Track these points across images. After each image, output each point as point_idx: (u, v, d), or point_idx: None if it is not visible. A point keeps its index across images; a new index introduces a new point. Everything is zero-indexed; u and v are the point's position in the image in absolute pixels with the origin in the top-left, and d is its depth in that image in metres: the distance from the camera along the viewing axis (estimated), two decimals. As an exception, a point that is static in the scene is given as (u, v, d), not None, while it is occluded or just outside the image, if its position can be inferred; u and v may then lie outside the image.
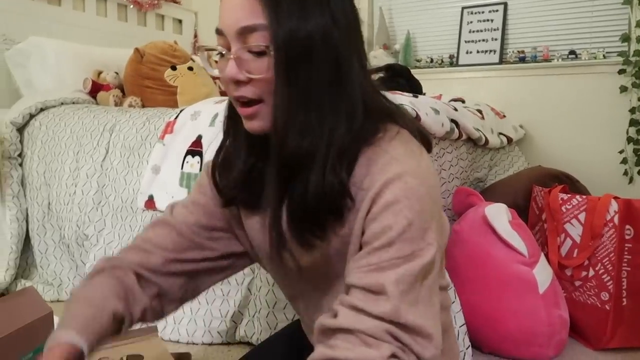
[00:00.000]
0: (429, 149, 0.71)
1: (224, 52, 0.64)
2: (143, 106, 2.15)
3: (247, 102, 0.64)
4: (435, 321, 0.60)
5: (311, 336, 0.87)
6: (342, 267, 0.66)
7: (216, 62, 0.67)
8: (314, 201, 0.62)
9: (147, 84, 2.19)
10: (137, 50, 2.21)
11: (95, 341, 0.67)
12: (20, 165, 1.95)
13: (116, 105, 2.15)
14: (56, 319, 1.09)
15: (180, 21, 3.42)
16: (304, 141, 0.61)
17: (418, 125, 0.71)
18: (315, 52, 0.61)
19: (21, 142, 1.97)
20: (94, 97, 2.22)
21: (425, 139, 0.71)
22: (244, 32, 0.61)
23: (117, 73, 2.33)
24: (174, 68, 2.24)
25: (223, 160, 0.74)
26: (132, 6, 3.03)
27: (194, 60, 2.37)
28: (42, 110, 2.00)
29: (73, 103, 2.08)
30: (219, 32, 0.64)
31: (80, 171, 1.77)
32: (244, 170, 0.71)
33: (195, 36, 3.51)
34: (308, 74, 0.61)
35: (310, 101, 0.61)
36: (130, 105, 2.13)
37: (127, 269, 0.74)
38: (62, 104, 2.04)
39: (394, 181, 0.60)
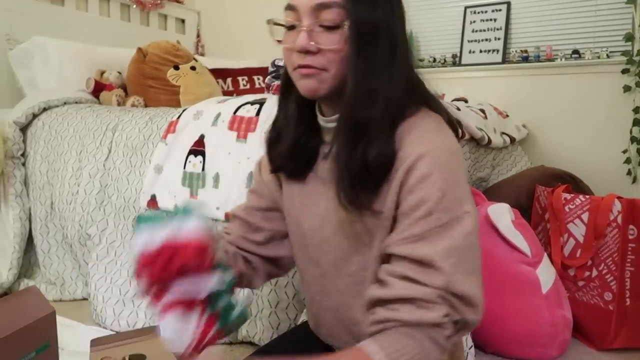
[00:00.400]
0: (457, 136, 0.76)
1: (295, 24, 0.71)
2: (146, 106, 2.15)
3: (309, 67, 0.70)
4: (480, 289, 0.66)
5: (317, 324, 0.88)
6: (360, 241, 0.73)
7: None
8: (378, 163, 0.67)
9: (150, 83, 2.19)
10: (139, 50, 2.21)
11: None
12: (23, 164, 1.96)
13: (119, 104, 2.15)
14: (59, 319, 1.09)
15: (183, 21, 3.43)
16: (370, 106, 0.69)
17: (449, 114, 0.77)
18: (380, 34, 0.69)
19: (24, 141, 1.97)
20: (97, 96, 2.22)
21: (454, 127, 0.76)
22: (319, 8, 0.69)
23: (119, 73, 2.33)
24: (176, 68, 2.25)
25: (275, 133, 0.83)
26: (134, 6, 3.04)
27: (196, 60, 2.38)
28: (45, 110, 2.00)
29: (76, 103, 2.08)
30: (290, 7, 0.72)
31: (83, 171, 1.77)
32: (291, 143, 0.79)
33: (198, 36, 3.52)
34: (374, 51, 0.69)
35: (375, 74, 0.69)
36: (133, 105, 2.13)
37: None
38: (65, 103, 2.05)
39: (426, 155, 0.66)
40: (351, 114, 0.70)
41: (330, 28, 0.69)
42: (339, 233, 0.76)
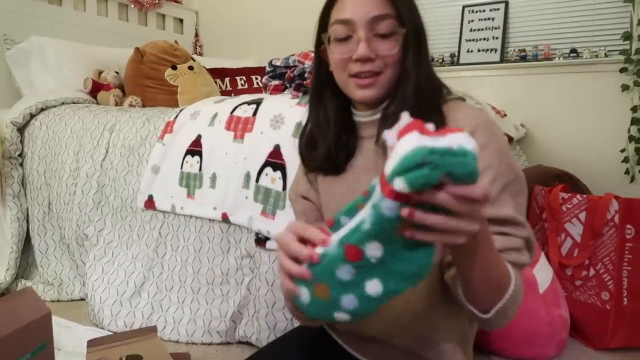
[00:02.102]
0: None
1: (351, 35, 0.79)
2: (144, 106, 2.15)
3: (369, 75, 0.80)
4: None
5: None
6: None
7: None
8: None
9: (148, 83, 2.19)
10: (137, 49, 2.21)
11: None
12: (21, 165, 1.95)
13: (117, 104, 2.15)
14: (54, 319, 1.09)
15: (181, 20, 3.42)
16: (423, 101, 0.78)
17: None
18: (421, 32, 0.80)
19: (22, 142, 1.97)
20: (95, 96, 2.22)
21: None
22: (375, 20, 0.78)
23: (117, 72, 2.33)
24: (174, 67, 2.25)
25: (308, 138, 0.90)
26: (132, 6, 3.03)
27: (194, 60, 2.37)
28: (42, 110, 2.00)
29: (73, 103, 2.08)
30: (344, 21, 0.79)
31: (81, 171, 1.77)
32: (332, 144, 0.86)
33: (197, 35, 3.51)
34: (420, 48, 0.80)
35: (425, 67, 0.80)
36: (131, 105, 2.13)
37: None
38: (62, 103, 2.04)
39: (480, 127, 0.75)
40: (404, 108, 0.75)
41: (385, 36, 0.78)
42: None
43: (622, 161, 2.28)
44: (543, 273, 1.39)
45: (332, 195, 0.89)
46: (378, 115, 0.83)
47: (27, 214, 1.92)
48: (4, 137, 1.92)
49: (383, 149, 0.80)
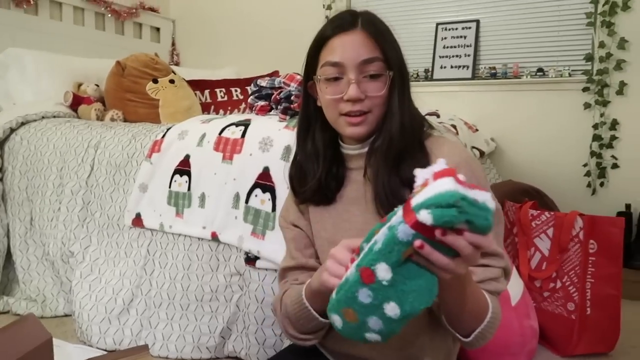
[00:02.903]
0: None
1: (340, 77, 0.85)
2: (125, 120, 2.16)
3: (358, 114, 0.85)
4: None
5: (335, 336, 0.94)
6: None
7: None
8: (410, 181, 0.81)
9: (129, 97, 2.20)
10: (118, 63, 2.22)
11: None
12: (1, 180, 1.94)
13: (98, 119, 2.15)
14: (55, 342, 1.12)
15: (158, 29, 3.42)
16: (410, 137, 0.84)
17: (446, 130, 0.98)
18: (405, 73, 0.87)
19: (1, 156, 1.96)
20: (75, 110, 2.21)
21: None
22: (365, 63, 0.83)
23: (97, 85, 2.33)
24: (155, 81, 2.26)
25: (298, 170, 0.95)
26: (109, 15, 3.02)
27: (174, 73, 2.39)
28: (22, 124, 1.99)
29: (54, 117, 2.08)
30: (334, 64, 0.85)
31: (65, 188, 1.78)
32: (321, 176, 0.91)
33: (173, 44, 3.52)
34: (404, 89, 0.86)
35: (406, 108, 0.85)
36: (112, 119, 2.14)
37: None
38: (43, 117, 2.04)
39: (461, 164, 0.82)
40: (390, 144, 0.84)
41: (373, 77, 0.84)
42: None
43: (585, 175, 2.42)
44: (515, 287, 1.49)
45: (324, 225, 0.94)
46: (366, 149, 0.89)
47: (8, 229, 1.91)
48: (-17, 152, 1.90)
49: (371, 180, 0.87)
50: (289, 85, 1.59)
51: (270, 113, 1.64)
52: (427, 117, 0.95)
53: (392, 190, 0.84)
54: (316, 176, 0.91)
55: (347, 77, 0.83)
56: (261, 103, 1.65)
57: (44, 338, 1.01)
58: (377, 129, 0.87)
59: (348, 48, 0.84)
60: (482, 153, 2.30)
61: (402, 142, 0.84)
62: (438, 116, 2.32)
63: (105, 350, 1.47)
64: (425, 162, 0.82)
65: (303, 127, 0.94)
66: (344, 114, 0.85)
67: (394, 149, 0.84)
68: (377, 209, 0.86)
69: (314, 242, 0.97)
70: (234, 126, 1.53)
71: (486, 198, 0.54)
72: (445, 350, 0.93)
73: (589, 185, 2.42)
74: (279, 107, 1.56)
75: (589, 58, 2.40)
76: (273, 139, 1.42)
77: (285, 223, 1.01)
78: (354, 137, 0.87)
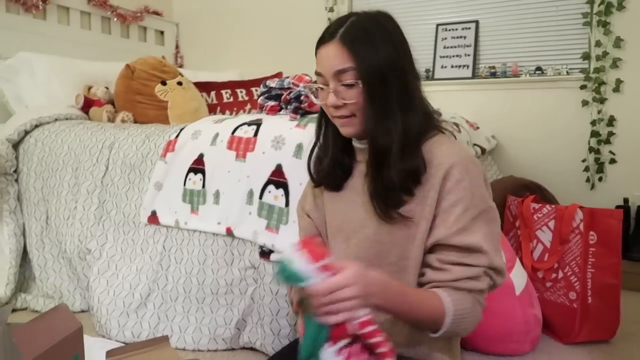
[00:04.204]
0: None
1: (323, 87, 0.91)
2: (135, 121, 2.21)
3: (344, 117, 0.90)
4: (503, 260, 0.89)
5: None
6: (399, 235, 0.90)
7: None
8: (400, 179, 0.87)
9: (139, 99, 2.26)
10: (127, 66, 2.27)
11: None
12: (16, 181, 1.99)
13: (109, 120, 2.20)
14: (85, 337, 1.17)
15: (162, 33, 3.48)
16: (386, 139, 0.87)
17: (451, 133, 0.99)
18: (388, 77, 0.86)
19: (16, 158, 2.01)
20: (87, 112, 2.26)
21: None
22: (339, 74, 0.88)
23: (107, 88, 2.38)
24: (164, 83, 2.32)
25: (316, 157, 1.03)
26: (115, 19, 3.07)
27: (182, 75, 2.45)
28: (36, 126, 2.04)
29: (66, 119, 2.13)
30: (318, 73, 0.91)
31: (81, 187, 1.83)
32: (330, 163, 0.99)
33: (177, 47, 3.57)
34: (385, 93, 0.87)
35: (387, 111, 0.87)
36: (123, 121, 2.19)
37: None
38: (56, 120, 2.09)
39: (457, 164, 0.85)
40: (374, 149, 0.90)
41: (349, 86, 0.88)
42: (378, 232, 0.92)
43: (584, 170, 2.48)
44: (519, 277, 1.55)
45: (334, 212, 1.01)
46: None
47: (24, 229, 1.96)
48: (-1, 153, 1.95)
49: (369, 173, 0.92)
50: (297, 86, 1.65)
51: (280, 113, 1.69)
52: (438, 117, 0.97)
53: (380, 191, 0.89)
54: (329, 160, 0.99)
55: (329, 85, 0.89)
56: (271, 103, 1.70)
57: (75, 327, 1.06)
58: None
59: (325, 59, 0.89)
60: (483, 150, 2.35)
61: (380, 148, 0.88)
62: (440, 115, 2.37)
63: (124, 343, 1.52)
64: (417, 165, 0.86)
65: (320, 120, 1.01)
66: (335, 117, 0.92)
67: (374, 153, 0.89)
68: (374, 208, 0.91)
69: (324, 232, 1.04)
70: (246, 125, 1.58)
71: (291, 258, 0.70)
72: (445, 338, 0.94)
73: (587, 180, 2.48)
74: (289, 106, 1.61)
75: (586, 57, 2.46)
76: (285, 137, 1.47)
77: (301, 211, 1.09)
78: (348, 136, 0.94)
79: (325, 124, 1.00)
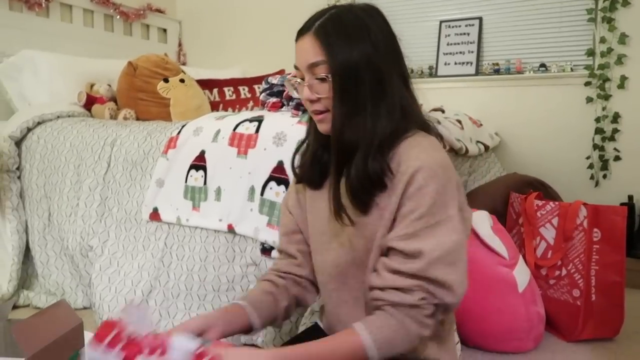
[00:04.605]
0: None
1: (300, 81, 0.90)
2: (137, 118, 2.21)
3: (319, 112, 0.88)
4: (460, 276, 0.80)
5: (334, 321, 0.99)
6: (367, 234, 0.86)
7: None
8: (361, 179, 0.84)
9: (141, 96, 2.25)
10: (130, 63, 2.27)
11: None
12: (19, 178, 2.00)
13: (111, 117, 2.20)
14: (86, 333, 1.17)
15: (165, 30, 3.47)
16: (350, 136, 0.84)
17: (440, 135, 0.94)
18: (361, 74, 0.83)
19: (19, 155, 2.01)
20: (89, 109, 2.27)
21: (444, 146, 0.96)
22: (312, 67, 0.85)
23: (109, 85, 2.38)
24: (166, 80, 2.31)
25: (304, 147, 0.99)
26: (118, 17, 3.07)
27: (184, 72, 2.45)
28: (39, 123, 2.05)
29: (69, 116, 2.13)
30: (296, 67, 0.89)
31: (83, 184, 1.83)
32: (310, 156, 0.96)
33: (180, 45, 3.57)
34: (356, 90, 0.84)
35: (356, 109, 0.84)
36: (125, 118, 2.19)
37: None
38: (58, 117, 2.09)
39: (423, 168, 0.81)
40: (337, 145, 0.87)
41: (321, 80, 0.85)
42: (351, 235, 0.89)
43: (588, 167, 2.47)
44: (522, 274, 1.54)
45: (316, 211, 0.98)
46: None
47: (27, 226, 1.96)
48: (1, 150, 1.96)
49: (332, 172, 0.90)
50: (299, 82, 1.64)
51: (282, 109, 1.69)
52: (427, 115, 0.94)
53: (334, 194, 0.87)
54: (309, 155, 0.97)
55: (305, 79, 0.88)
56: (273, 100, 1.70)
57: (75, 323, 1.06)
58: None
59: (300, 52, 0.88)
60: (486, 147, 2.34)
61: (346, 145, 0.85)
62: (443, 112, 2.37)
63: (126, 339, 1.52)
64: (382, 168, 0.83)
65: (309, 117, 0.98)
66: (311, 112, 0.90)
67: (339, 149, 0.86)
68: (330, 204, 0.89)
69: (306, 229, 1.02)
70: (247, 122, 1.58)
71: None
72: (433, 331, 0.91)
73: (591, 177, 2.46)
74: (290, 103, 1.61)
75: (591, 53, 2.44)
76: (287, 133, 1.47)
77: (284, 207, 1.07)
78: (323, 132, 0.90)
79: (311, 119, 0.97)
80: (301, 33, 0.88)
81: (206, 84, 2.66)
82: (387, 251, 0.84)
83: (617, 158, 2.41)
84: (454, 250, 0.80)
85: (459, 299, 0.81)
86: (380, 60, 0.84)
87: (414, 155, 0.82)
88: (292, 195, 1.05)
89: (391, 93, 0.85)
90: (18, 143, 2.03)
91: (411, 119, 0.88)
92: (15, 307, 1.84)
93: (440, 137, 0.92)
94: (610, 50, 2.38)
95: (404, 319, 0.80)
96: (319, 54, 0.84)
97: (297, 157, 1.02)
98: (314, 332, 1.05)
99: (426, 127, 0.90)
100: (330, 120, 0.87)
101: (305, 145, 1.00)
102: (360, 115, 0.84)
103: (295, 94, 0.94)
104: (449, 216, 0.81)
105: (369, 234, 0.87)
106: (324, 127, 0.89)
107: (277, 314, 0.99)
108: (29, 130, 2.03)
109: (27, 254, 1.97)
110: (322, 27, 0.85)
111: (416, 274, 0.78)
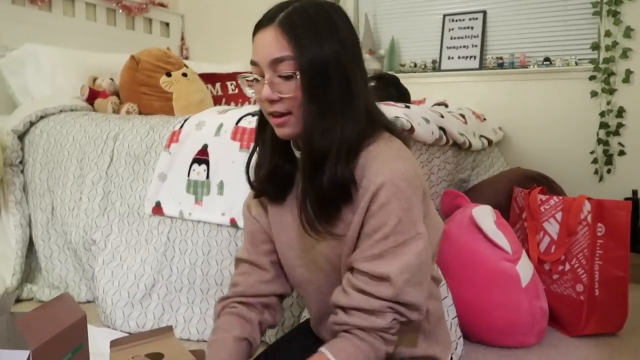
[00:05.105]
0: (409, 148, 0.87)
1: (259, 79, 0.80)
2: (140, 112, 2.21)
3: (279, 115, 0.80)
4: (424, 294, 0.79)
5: (318, 325, 0.98)
6: (338, 252, 0.83)
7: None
8: (332, 187, 0.78)
9: (143, 90, 2.25)
10: (132, 57, 2.26)
11: None
12: (22, 172, 2.00)
13: (114, 112, 2.20)
14: (89, 326, 1.17)
15: (167, 24, 3.47)
16: (323, 140, 0.78)
17: (405, 137, 0.89)
18: (330, 72, 0.77)
19: (22, 149, 2.01)
20: (92, 104, 2.26)
21: (407, 144, 0.88)
22: (275, 63, 0.77)
23: (112, 79, 2.38)
24: (168, 74, 2.31)
25: (257, 160, 0.92)
26: (120, 10, 3.07)
27: (187, 67, 2.44)
28: (42, 117, 2.05)
29: (71, 110, 2.13)
30: (254, 63, 0.80)
31: (85, 178, 1.83)
32: (269, 169, 0.89)
33: (182, 39, 3.57)
34: (325, 90, 0.77)
35: (327, 110, 0.78)
36: (128, 112, 2.19)
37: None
38: (61, 111, 2.09)
39: (386, 184, 0.76)
40: (309, 150, 0.79)
41: (286, 78, 0.77)
42: (327, 248, 0.85)
43: (592, 162, 2.46)
44: (525, 269, 1.53)
45: (282, 226, 0.92)
46: None
47: (30, 220, 1.97)
48: (5, 144, 1.96)
49: (302, 179, 0.82)
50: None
51: (285, 103, 1.68)
52: (392, 122, 0.88)
53: (312, 202, 0.80)
54: (266, 167, 0.89)
55: (264, 77, 0.79)
56: (275, 93, 1.69)
57: (78, 315, 1.07)
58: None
59: (260, 46, 0.79)
60: (490, 142, 2.33)
61: (317, 150, 0.78)
62: (446, 106, 2.36)
63: (129, 333, 1.53)
64: (345, 174, 0.78)
65: (259, 124, 0.91)
66: (270, 114, 0.81)
67: (309, 154, 0.79)
68: (299, 215, 0.83)
69: (273, 239, 0.97)
70: (250, 116, 1.57)
71: None
72: (412, 335, 0.90)
73: (596, 172, 2.45)
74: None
75: (595, 47, 2.43)
76: (289, 127, 1.46)
77: (248, 214, 0.99)
78: (284, 137, 0.83)
79: (265, 124, 0.87)
80: (261, 25, 0.80)
81: (209, 78, 2.66)
82: (352, 270, 0.80)
83: (621, 153, 2.40)
84: (420, 270, 0.77)
85: (424, 314, 0.81)
86: (347, 60, 0.79)
87: (375, 170, 0.77)
88: (255, 203, 0.98)
89: (357, 94, 0.80)
90: (21, 137, 2.03)
91: (375, 122, 0.84)
92: (18, 300, 1.85)
93: (406, 137, 0.89)
94: (615, 44, 2.36)
95: (374, 342, 0.77)
96: (285, 48, 0.76)
97: (253, 169, 0.93)
98: (306, 331, 1.05)
99: (390, 128, 0.86)
100: (292, 123, 0.80)
101: (257, 154, 0.91)
102: (330, 117, 0.78)
103: (249, 93, 0.85)
104: (417, 234, 0.77)
105: (338, 250, 0.83)
106: (284, 132, 0.81)
107: (253, 352, 0.95)
108: (32, 124, 2.03)
109: (30, 248, 1.97)
110: (287, 19, 0.78)
111: (385, 298, 0.76)
